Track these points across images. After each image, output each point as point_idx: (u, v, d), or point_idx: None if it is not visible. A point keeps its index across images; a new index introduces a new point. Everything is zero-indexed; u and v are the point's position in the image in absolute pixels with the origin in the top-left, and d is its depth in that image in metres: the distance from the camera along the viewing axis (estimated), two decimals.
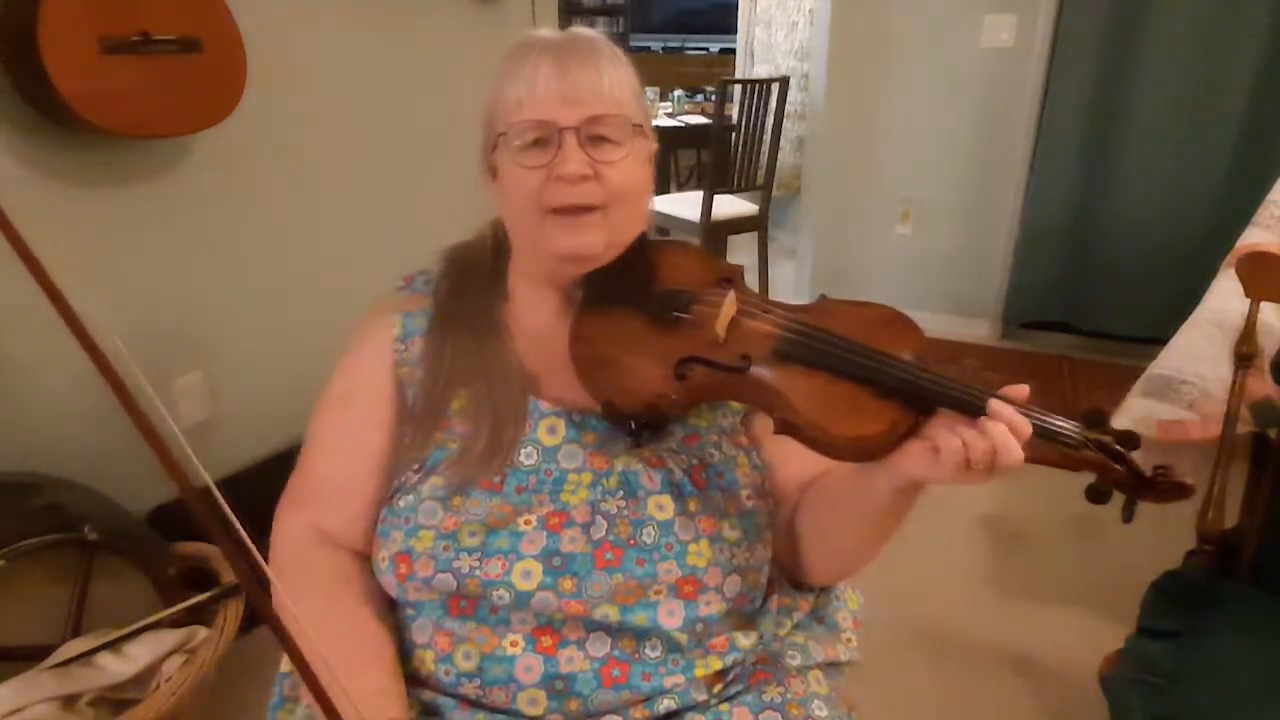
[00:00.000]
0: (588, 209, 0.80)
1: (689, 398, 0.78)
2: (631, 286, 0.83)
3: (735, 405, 0.89)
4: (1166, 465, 0.71)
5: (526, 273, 0.90)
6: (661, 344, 0.79)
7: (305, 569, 0.85)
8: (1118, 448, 0.71)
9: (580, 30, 0.85)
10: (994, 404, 0.67)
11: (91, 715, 1.25)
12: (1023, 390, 0.70)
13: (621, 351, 0.80)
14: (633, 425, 0.81)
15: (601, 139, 0.80)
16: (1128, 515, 0.73)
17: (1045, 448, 0.70)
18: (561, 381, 0.83)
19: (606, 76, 0.81)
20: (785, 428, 0.73)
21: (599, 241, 0.82)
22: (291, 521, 0.88)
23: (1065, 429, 0.70)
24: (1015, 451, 0.66)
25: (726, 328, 0.78)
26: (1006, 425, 0.66)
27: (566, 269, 0.84)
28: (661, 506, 0.81)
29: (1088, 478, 0.72)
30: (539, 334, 0.87)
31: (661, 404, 0.78)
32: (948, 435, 0.67)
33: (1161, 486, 0.71)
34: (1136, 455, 0.71)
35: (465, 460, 0.81)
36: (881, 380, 0.71)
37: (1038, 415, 0.70)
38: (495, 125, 0.83)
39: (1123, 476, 0.71)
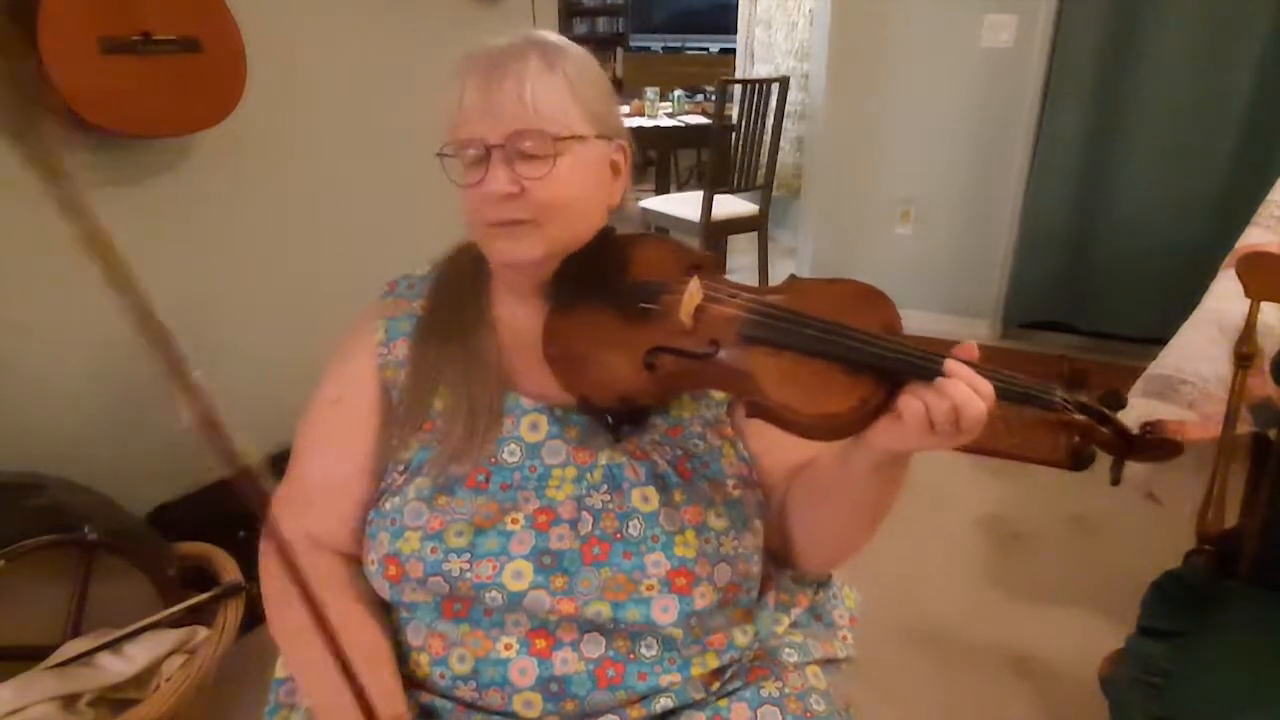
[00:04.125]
0: (516, 223, 0.81)
1: (660, 387, 0.79)
2: (600, 282, 0.83)
3: (718, 396, 0.90)
4: (1154, 421, 0.71)
5: (496, 274, 0.91)
6: (630, 336, 0.79)
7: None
8: (1101, 408, 0.70)
9: (519, 38, 0.83)
10: (949, 363, 0.67)
11: (91, 715, 1.25)
12: (971, 348, 0.70)
13: (592, 347, 0.81)
14: (610, 419, 0.81)
15: (529, 154, 0.80)
16: (1115, 476, 0.72)
17: (1029, 416, 0.70)
18: (543, 378, 0.83)
19: (529, 88, 0.79)
20: (756, 410, 0.73)
21: (535, 251, 0.82)
22: (285, 520, 0.88)
23: (1044, 393, 0.70)
24: (977, 405, 0.66)
25: (693, 315, 0.78)
26: (964, 381, 0.66)
27: (512, 276, 0.86)
28: (646, 498, 0.81)
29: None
30: (522, 332, 0.88)
31: (634, 396, 0.78)
32: (908, 399, 0.67)
33: (1150, 444, 0.70)
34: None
35: (442, 454, 0.82)
36: (846, 356, 0.71)
37: (1013, 378, 0.69)
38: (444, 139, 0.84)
39: (1108, 437, 0.70)
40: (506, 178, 0.79)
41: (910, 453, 0.72)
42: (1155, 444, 0.69)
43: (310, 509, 0.88)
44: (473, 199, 0.81)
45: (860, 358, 0.70)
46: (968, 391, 0.66)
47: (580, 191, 0.83)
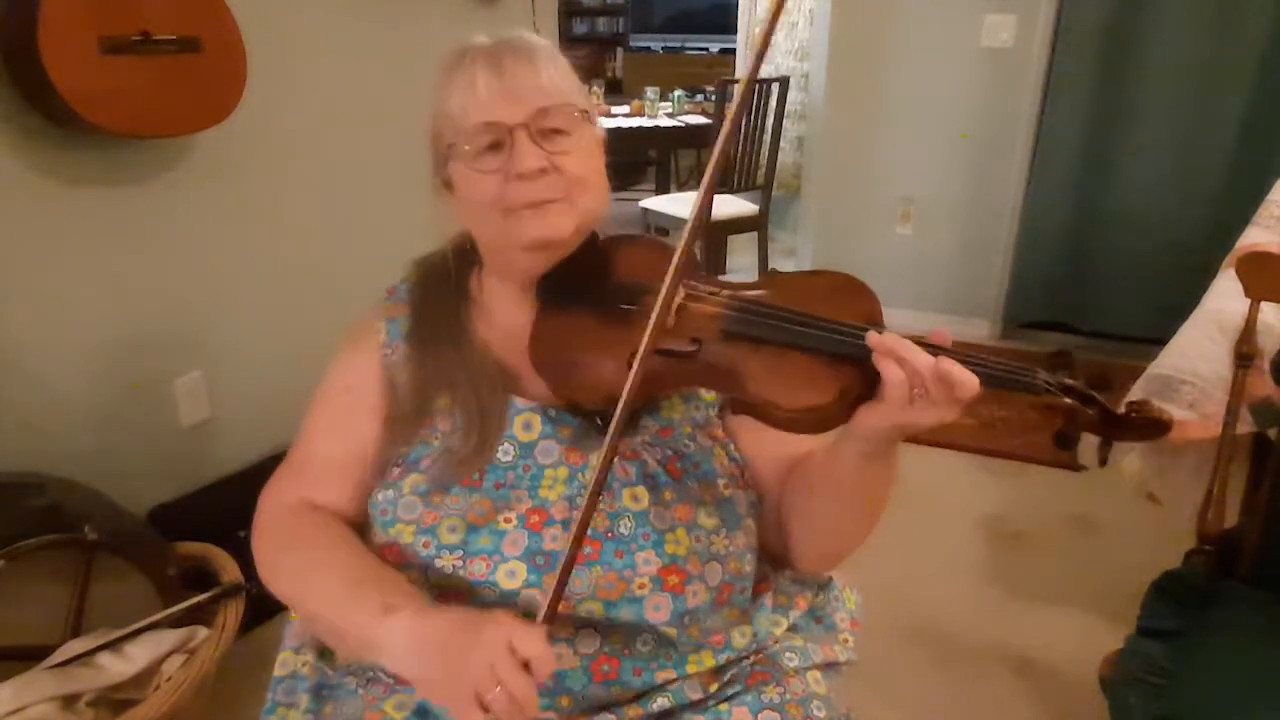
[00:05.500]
0: (550, 201, 0.82)
1: (645, 388, 0.78)
2: (584, 284, 0.84)
3: (708, 396, 0.90)
4: (1140, 400, 0.69)
5: (500, 274, 0.90)
6: (614, 338, 0.79)
7: (301, 521, 0.86)
8: (1086, 389, 0.68)
9: (513, 32, 0.86)
10: (872, 337, 0.66)
11: (91, 715, 1.25)
12: (943, 334, 0.68)
13: (578, 350, 0.81)
14: (600, 421, 0.81)
15: (552, 131, 0.81)
16: (1103, 456, 0.71)
17: (1012, 399, 0.68)
18: (537, 378, 0.84)
19: (544, 69, 0.82)
20: (740, 406, 0.73)
21: (567, 226, 0.83)
22: (282, 492, 0.89)
23: (1026, 375, 0.68)
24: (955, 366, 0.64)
25: (675, 314, 0.78)
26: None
27: (538, 259, 0.85)
28: (636, 498, 0.81)
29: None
30: (515, 333, 0.88)
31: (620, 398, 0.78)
32: (887, 363, 0.66)
33: (1136, 424, 0.68)
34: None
35: (451, 459, 0.82)
36: (825, 347, 0.70)
37: (994, 365, 0.68)
38: (444, 138, 0.84)
39: (1094, 419, 0.68)
40: (536, 154, 0.80)
41: (895, 431, 0.71)
42: (1141, 423, 0.68)
43: (316, 483, 0.88)
44: (493, 184, 0.81)
45: (839, 349, 0.70)
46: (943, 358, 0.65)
47: (598, 168, 0.86)
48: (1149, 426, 0.68)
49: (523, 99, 0.80)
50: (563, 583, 0.66)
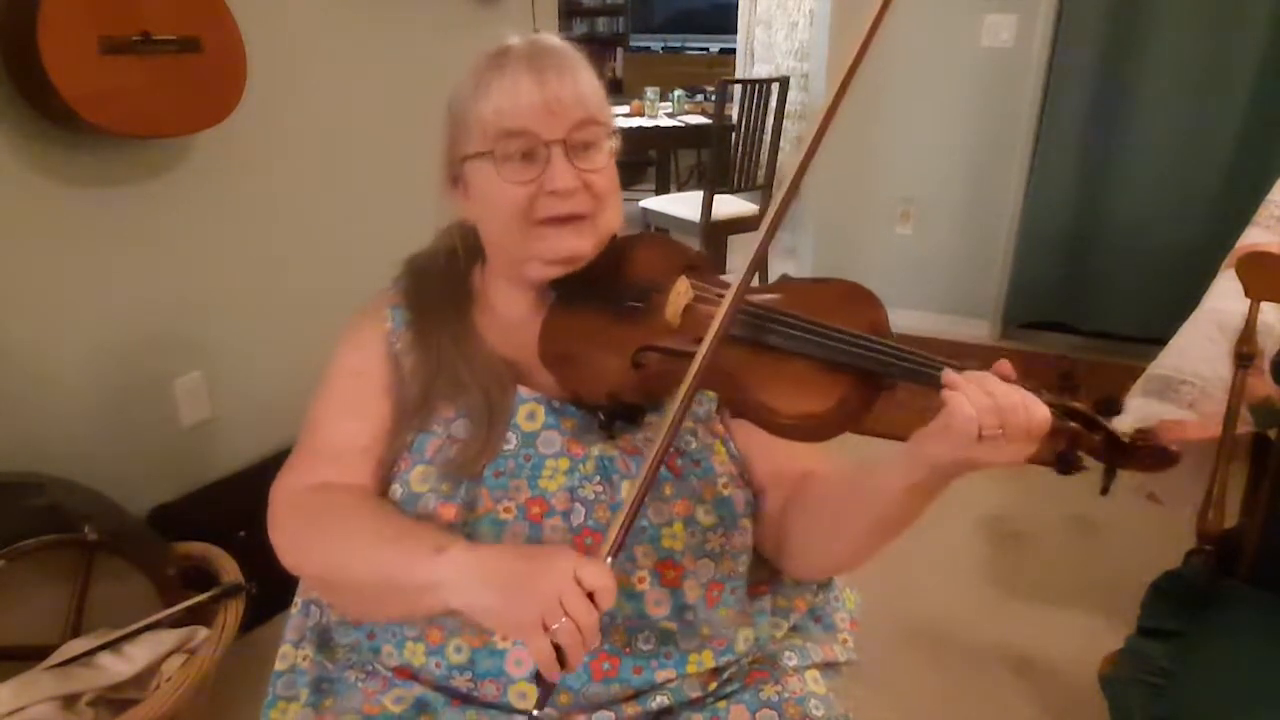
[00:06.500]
0: (578, 217, 0.82)
1: (649, 386, 0.78)
2: (595, 282, 0.84)
3: (709, 393, 0.89)
4: (1147, 429, 0.66)
5: (507, 277, 0.90)
6: (620, 335, 0.80)
7: (326, 497, 0.83)
8: (1091, 413, 0.65)
9: (547, 37, 0.85)
10: (949, 375, 0.64)
11: (91, 715, 1.25)
12: (1005, 367, 0.65)
13: (584, 346, 0.82)
14: (602, 417, 0.82)
15: (585, 146, 0.82)
16: (1105, 485, 0.67)
17: None
18: (542, 371, 0.84)
19: (583, 83, 0.82)
20: (738, 409, 0.73)
21: (589, 244, 0.84)
22: (299, 477, 0.86)
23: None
24: (1025, 408, 0.62)
25: (681, 314, 0.78)
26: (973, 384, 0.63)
27: (553, 272, 0.85)
28: None
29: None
30: (518, 327, 0.88)
31: (623, 394, 0.78)
32: (957, 399, 0.63)
33: (1142, 453, 0.65)
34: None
35: (458, 458, 0.82)
36: (827, 356, 0.70)
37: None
38: (471, 139, 0.83)
39: (1099, 445, 0.66)
40: (572, 173, 0.80)
41: (957, 467, 0.67)
42: (1148, 453, 0.65)
43: (337, 465, 0.86)
44: (521, 196, 0.81)
45: (841, 358, 0.69)
46: (983, 397, 0.62)
47: (617, 183, 0.86)
48: (1154, 457, 0.65)
49: (562, 114, 0.80)
50: (631, 516, 0.67)
